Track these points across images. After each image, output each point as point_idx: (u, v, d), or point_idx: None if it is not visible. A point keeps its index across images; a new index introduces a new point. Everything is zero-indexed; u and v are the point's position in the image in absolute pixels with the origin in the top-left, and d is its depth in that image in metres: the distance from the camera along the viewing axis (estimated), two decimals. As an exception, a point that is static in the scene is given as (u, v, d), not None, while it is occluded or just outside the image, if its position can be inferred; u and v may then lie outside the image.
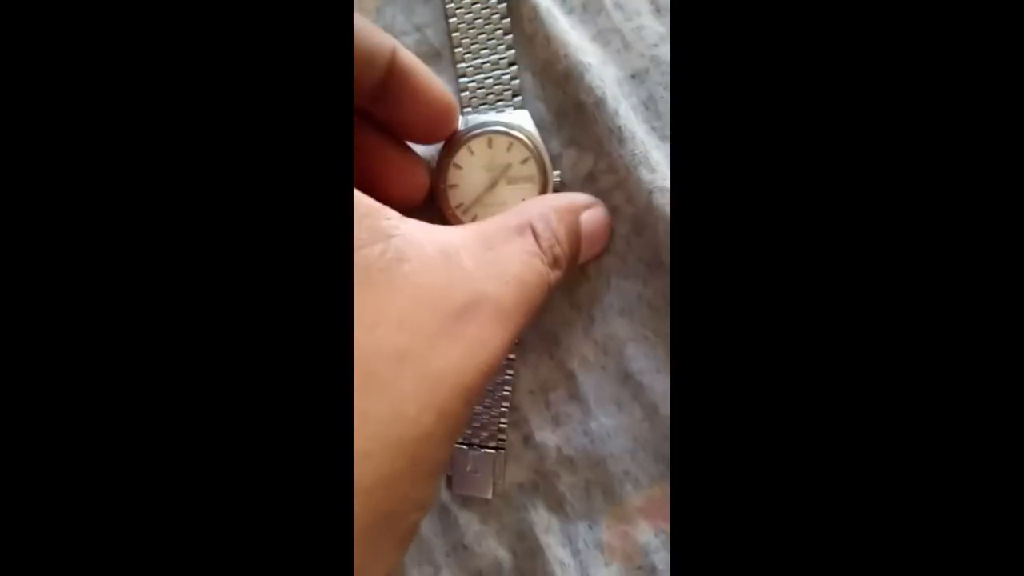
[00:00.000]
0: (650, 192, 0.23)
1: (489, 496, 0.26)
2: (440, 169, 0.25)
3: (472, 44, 0.26)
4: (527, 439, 0.26)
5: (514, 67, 0.26)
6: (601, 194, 0.25)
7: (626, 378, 0.25)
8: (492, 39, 0.26)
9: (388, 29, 0.27)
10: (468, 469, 0.26)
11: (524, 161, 0.25)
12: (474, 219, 0.25)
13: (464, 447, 0.26)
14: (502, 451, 0.26)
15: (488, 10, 0.26)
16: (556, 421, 0.26)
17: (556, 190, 0.25)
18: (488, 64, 0.26)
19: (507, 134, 0.25)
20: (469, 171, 0.25)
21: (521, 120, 0.25)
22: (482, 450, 0.26)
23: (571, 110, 0.25)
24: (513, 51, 0.26)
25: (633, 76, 0.25)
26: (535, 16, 0.25)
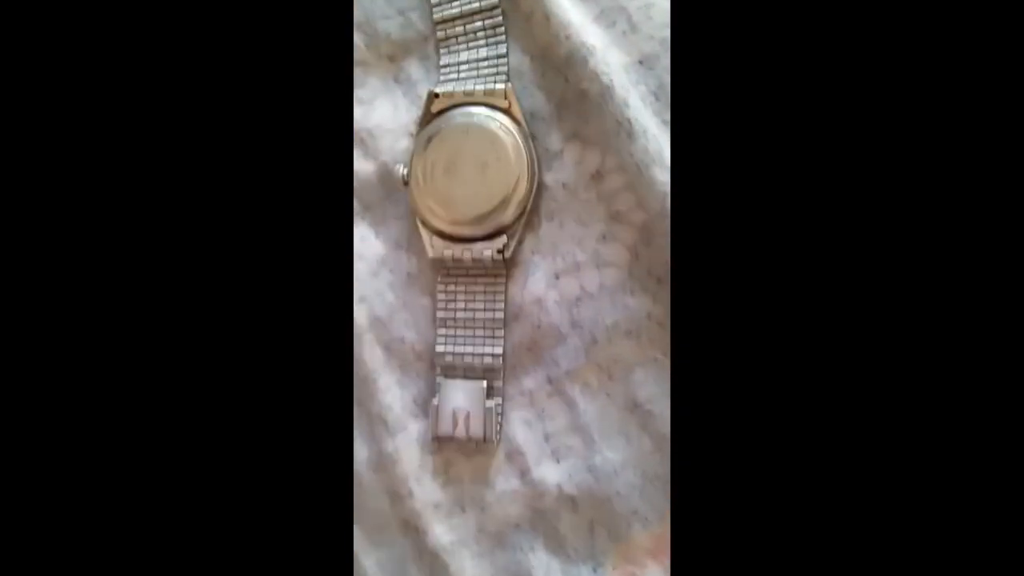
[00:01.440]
0: (664, 196, 0.22)
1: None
2: None
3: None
4: (524, 474, 0.24)
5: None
6: (607, 197, 0.23)
7: (634, 407, 0.23)
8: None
9: (369, 13, 0.26)
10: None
11: None
12: None
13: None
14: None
15: None
16: (556, 455, 0.24)
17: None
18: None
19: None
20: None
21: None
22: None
23: (573, 99, 0.23)
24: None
25: (641, 62, 0.23)
26: None
